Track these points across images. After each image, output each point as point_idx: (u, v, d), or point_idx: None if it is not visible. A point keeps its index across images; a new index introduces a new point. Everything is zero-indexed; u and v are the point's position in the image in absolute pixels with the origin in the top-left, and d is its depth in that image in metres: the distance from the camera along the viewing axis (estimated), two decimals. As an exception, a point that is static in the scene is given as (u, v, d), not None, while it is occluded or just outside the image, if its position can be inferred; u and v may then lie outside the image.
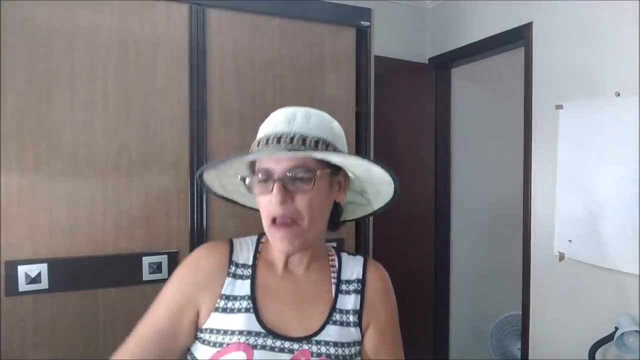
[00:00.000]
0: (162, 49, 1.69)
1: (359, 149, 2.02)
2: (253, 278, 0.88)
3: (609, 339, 1.76)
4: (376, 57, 2.08)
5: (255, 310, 0.84)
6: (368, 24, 2.02)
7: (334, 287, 0.91)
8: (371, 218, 2.02)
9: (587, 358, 1.82)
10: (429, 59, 2.99)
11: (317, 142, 0.82)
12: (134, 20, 1.65)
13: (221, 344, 0.82)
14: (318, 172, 0.82)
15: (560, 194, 2.06)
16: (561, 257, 2.06)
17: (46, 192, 1.55)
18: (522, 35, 2.28)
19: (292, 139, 0.81)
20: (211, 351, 0.82)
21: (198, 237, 1.74)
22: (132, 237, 1.66)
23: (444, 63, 2.94)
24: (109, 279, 1.62)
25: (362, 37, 2.02)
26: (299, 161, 0.81)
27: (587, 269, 1.95)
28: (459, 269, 3.06)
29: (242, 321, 0.83)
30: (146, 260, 1.67)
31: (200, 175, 0.92)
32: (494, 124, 3.12)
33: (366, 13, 2.02)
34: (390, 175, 0.87)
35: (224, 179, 0.95)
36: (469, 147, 3.07)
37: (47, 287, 1.55)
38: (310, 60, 1.92)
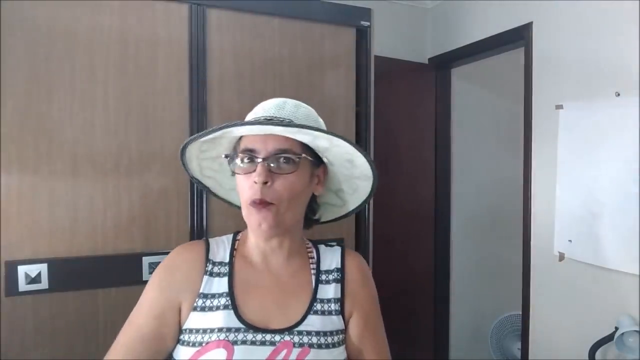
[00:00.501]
0: (162, 49, 1.69)
1: (359, 149, 2.01)
2: (231, 275, 0.88)
3: (609, 339, 1.76)
4: (376, 57, 2.07)
5: (234, 306, 0.84)
6: (368, 24, 2.02)
7: (313, 277, 0.92)
8: (371, 218, 2.02)
9: (587, 358, 1.82)
10: (429, 59, 2.99)
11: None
12: (134, 20, 1.65)
13: (200, 343, 0.81)
14: (302, 156, 0.83)
15: (560, 194, 2.06)
16: (561, 257, 2.06)
17: (46, 192, 1.55)
18: (522, 35, 2.28)
19: (281, 121, 0.82)
20: (191, 351, 0.82)
21: (198, 237, 1.74)
22: (132, 237, 1.66)
23: (444, 63, 2.94)
24: (109, 279, 1.62)
25: (362, 37, 2.02)
26: (285, 144, 0.82)
27: (587, 269, 1.95)
28: (459, 269, 3.06)
29: (221, 318, 0.83)
30: (146, 260, 1.67)
31: (183, 149, 0.92)
32: (494, 124, 3.12)
33: (366, 13, 2.02)
34: (372, 168, 0.87)
35: (204, 160, 0.95)
36: (469, 147, 3.07)
37: (47, 287, 1.55)
38: (310, 60, 1.92)
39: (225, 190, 1.02)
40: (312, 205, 0.96)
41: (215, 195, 1.05)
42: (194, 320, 0.84)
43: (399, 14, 2.89)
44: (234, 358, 0.79)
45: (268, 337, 0.83)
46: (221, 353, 0.80)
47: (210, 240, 0.95)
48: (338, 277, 0.93)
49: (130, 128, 1.65)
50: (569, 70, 2.05)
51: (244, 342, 0.81)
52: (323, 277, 0.93)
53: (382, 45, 2.50)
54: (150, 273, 1.65)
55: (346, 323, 0.91)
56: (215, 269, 0.89)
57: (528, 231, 2.26)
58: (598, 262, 1.89)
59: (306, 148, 0.85)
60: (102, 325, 1.62)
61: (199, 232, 1.74)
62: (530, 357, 2.27)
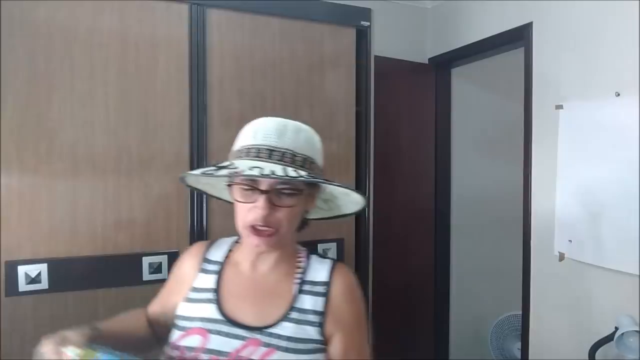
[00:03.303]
0: (162, 49, 1.69)
1: (359, 149, 2.02)
2: (220, 274, 0.98)
3: (609, 339, 1.76)
4: (376, 57, 2.08)
5: (218, 301, 0.93)
6: (368, 24, 2.02)
7: (295, 287, 0.95)
8: (371, 218, 2.03)
9: (587, 358, 1.82)
10: (429, 59, 2.99)
11: (304, 160, 0.88)
12: (134, 20, 1.65)
13: (185, 329, 0.92)
14: (302, 190, 0.89)
15: (560, 194, 2.06)
16: (561, 257, 2.06)
17: (46, 192, 1.55)
18: (522, 35, 2.28)
19: (282, 154, 0.86)
20: (177, 334, 0.93)
21: (198, 237, 1.74)
22: (132, 237, 1.66)
23: (444, 63, 2.94)
24: (109, 279, 1.62)
25: (362, 37, 2.02)
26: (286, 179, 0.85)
27: (587, 269, 1.95)
28: (459, 269, 3.06)
29: (204, 310, 0.93)
30: (146, 260, 1.67)
31: (183, 176, 1.00)
32: (494, 124, 3.11)
33: (366, 13, 2.02)
34: (364, 204, 0.97)
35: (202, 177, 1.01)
36: (469, 147, 3.07)
37: (47, 287, 1.55)
38: (310, 60, 1.92)
39: (218, 189, 1.06)
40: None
41: (209, 194, 1.11)
42: (183, 308, 0.95)
43: (399, 14, 2.89)
44: (207, 345, 0.89)
45: (241, 332, 0.89)
46: (198, 339, 0.90)
47: (218, 240, 1.05)
48: (323, 291, 0.94)
49: (130, 128, 1.65)
50: (569, 70, 2.04)
51: (218, 333, 0.90)
52: (306, 287, 0.95)
53: (382, 45, 2.49)
54: (150, 273, 1.67)
55: (327, 338, 0.92)
56: (209, 267, 0.99)
57: (528, 231, 2.26)
58: (598, 262, 1.89)
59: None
60: (102, 325, 1.62)
61: (199, 232, 1.74)
62: (530, 358, 2.27)
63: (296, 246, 1.01)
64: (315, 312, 0.92)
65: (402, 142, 2.86)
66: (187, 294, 0.97)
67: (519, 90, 2.33)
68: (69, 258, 1.58)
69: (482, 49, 2.61)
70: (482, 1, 2.56)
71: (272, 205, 0.86)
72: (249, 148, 0.88)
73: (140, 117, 1.67)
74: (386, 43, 2.69)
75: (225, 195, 1.02)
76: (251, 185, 0.87)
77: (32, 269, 1.53)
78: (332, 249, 1.93)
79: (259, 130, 0.90)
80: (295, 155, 0.87)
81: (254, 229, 0.87)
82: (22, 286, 1.52)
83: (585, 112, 1.94)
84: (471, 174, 3.07)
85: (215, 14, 1.77)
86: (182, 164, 1.72)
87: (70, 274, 1.58)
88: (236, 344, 0.88)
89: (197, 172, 0.94)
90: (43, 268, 1.54)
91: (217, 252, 1.01)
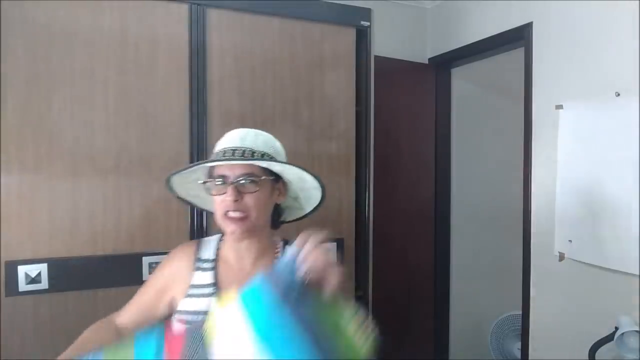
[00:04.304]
0: (162, 49, 1.69)
1: (359, 149, 2.02)
2: (215, 269, 1.11)
3: (609, 339, 1.76)
4: (376, 57, 2.08)
5: (218, 293, 1.06)
6: (368, 24, 2.02)
7: None
8: (371, 218, 2.03)
9: (587, 358, 1.82)
10: (429, 59, 2.99)
11: (262, 155, 1.06)
12: (134, 20, 1.65)
13: (191, 322, 1.03)
14: (262, 178, 1.05)
15: (560, 194, 2.06)
16: (561, 257, 2.06)
17: (46, 192, 1.55)
18: (522, 35, 2.28)
19: (243, 152, 1.05)
20: (184, 327, 1.01)
21: (198, 237, 1.73)
22: (132, 237, 1.66)
23: (444, 63, 2.94)
24: (109, 279, 1.62)
25: (362, 37, 2.02)
26: (248, 169, 1.04)
27: (587, 269, 1.95)
28: (459, 269, 3.06)
29: (207, 303, 1.04)
30: (146, 260, 1.67)
31: (167, 180, 1.14)
32: (494, 124, 3.11)
33: (366, 13, 2.02)
34: (318, 181, 1.10)
35: (187, 184, 1.16)
36: (469, 147, 3.07)
37: (47, 287, 1.55)
38: (310, 60, 1.92)
39: (204, 201, 1.21)
40: (278, 210, 1.17)
41: (197, 206, 1.28)
42: (187, 304, 1.07)
43: (399, 14, 2.89)
44: None
45: None
46: None
47: (202, 240, 1.17)
48: None
49: (130, 128, 1.65)
50: (569, 70, 2.05)
51: None
52: None
53: (382, 45, 2.49)
54: (150, 273, 1.66)
55: None
56: (203, 265, 1.11)
57: (528, 231, 2.26)
58: (598, 262, 1.89)
59: (266, 170, 1.06)
60: (102, 325, 1.62)
61: (199, 232, 1.74)
62: (530, 357, 2.27)
63: (274, 239, 1.17)
64: None
65: (402, 142, 2.86)
66: (187, 290, 1.08)
67: (519, 90, 2.33)
68: (69, 258, 1.58)
69: (482, 49, 2.61)
70: (482, 1, 2.56)
71: (238, 192, 1.03)
72: (217, 152, 1.08)
73: (140, 117, 1.67)
74: (386, 43, 2.69)
75: (210, 206, 1.15)
76: (221, 180, 1.04)
77: (32, 269, 1.53)
78: (332, 249, 1.93)
79: (226, 137, 1.11)
80: (254, 152, 1.05)
81: (228, 218, 1.04)
82: (22, 286, 1.52)
83: (585, 112, 1.94)
84: (471, 173, 3.07)
85: (215, 14, 1.77)
86: (182, 164, 1.71)
87: (70, 274, 1.58)
88: None
89: (173, 172, 1.11)
90: (43, 268, 1.54)
91: (207, 251, 1.13)
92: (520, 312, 2.36)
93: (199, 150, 1.74)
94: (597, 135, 1.88)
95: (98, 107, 1.61)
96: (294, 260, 0.84)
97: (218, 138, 1.74)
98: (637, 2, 1.75)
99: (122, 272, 1.64)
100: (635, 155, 1.72)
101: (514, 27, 2.34)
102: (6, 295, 1.51)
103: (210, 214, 1.75)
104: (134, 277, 1.65)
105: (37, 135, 1.54)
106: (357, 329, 0.83)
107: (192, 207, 1.71)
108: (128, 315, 1.13)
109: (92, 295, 1.61)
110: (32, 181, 1.53)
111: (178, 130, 1.72)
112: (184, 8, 1.72)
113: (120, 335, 1.07)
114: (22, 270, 1.52)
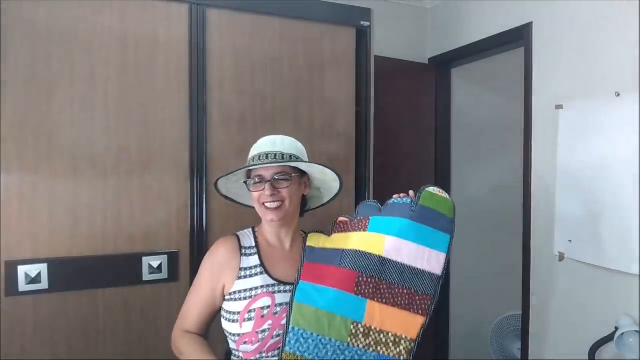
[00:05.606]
0: (162, 49, 1.69)
1: (359, 149, 2.02)
2: (259, 253, 1.31)
3: (609, 339, 1.76)
4: (376, 57, 2.08)
5: (266, 271, 1.28)
6: (368, 24, 2.02)
7: None
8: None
9: (587, 358, 1.82)
10: (429, 59, 2.99)
11: (290, 156, 1.27)
12: (134, 20, 1.66)
13: (249, 297, 1.24)
14: (293, 175, 1.28)
15: (560, 194, 2.06)
16: (561, 257, 2.06)
17: (46, 192, 1.55)
18: (522, 35, 2.28)
19: (275, 155, 1.26)
20: (243, 303, 1.23)
21: (198, 237, 1.74)
22: (132, 237, 1.66)
23: (444, 63, 2.93)
24: (109, 279, 1.63)
25: (362, 37, 2.02)
26: (280, 169, 1.26)
27: (587, 269, 1.95)
28: (458, 269, 3.05)
29: (260, 280, 1.26)
30: (146, 260, 1.67)
31: (215, 183, 1.34)
32: (494, 124, 3.11)
33: (366, 13, 2.02)
34: (336, 174, 1.32)
35: (230, 184, 1.36)
36: (469, 147, 3.07)
37: (47, 287, 1.55)
38: (310, 60, 1.92)
39: (243, 197, 1.42)
40: (304, 199, 1.39)
41: (238, 202, 1.44)
42: (240, 284, 1.26)
43: (399, 14, 2.89)
44: (277, 301, 1.24)
45: (290, 287, 1.26)
46: (268, 299, 1.24)
47: (239, 233, 1.35)
48: None
49: (130, 128, 1.66)
50: (569, 70, 2.04)
51: (279, 292, 1.25)
52: None
53: (382, 45, 2.49)
54: (150, 273, 1.67)
55: None
56: (247, 251, 1.31)
57: (528, 231, 2.26)
58: (598, 262, 1.89)
59: (295, 168, 1.29)
60: (102, 325, 1.62)
61: (199, 232, 1.74)
62: (530, 357, 2.27)
63: (300, 231, 1.41)
64: None
65: (402, 142, 2.86)
66: (238, 273, 1.27)
67: (519, 90, 2.33)
68: (69, 258, 1.58)
69: (482, 49, 2.61)
70: (482, 1, 2.56)
71: (274, 188, 1.25)
72: (253, 156, 1.29)
73: (140, 117, 1.67)
74: (386, 43, 2.69)
75: (246, 200, 1.40)
76: (259, 179, 1.26)
77: (32, 269, 1.53)
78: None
79: (259, 144, 1.31)
80: (283, 154, 1.27)
81: (267, 208, 1.26)
82: (22, 286, 1.52)
83: (585, 112, 1.94)
84: (471, 174, 3.07)
85: (215, 14, 1.77)
86: (182, 164, 1.72)
87: (70, 274, 1.58)
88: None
89: (221, 175, 1.31)
90: (43, 268, 1.54)
91: (247, 241, 1.33)
92: (520, 312, 2.36)
93: (199, 150, 1.74)
94: (597, 135, 1.88)
95: (98, 107, 1.61)
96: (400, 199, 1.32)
97: (218, 138, 1.79)
98: (637, 2, 1.75)
99: (122, 272, 1.64)
100: (635, 155, 1.72)
101: (513, 27, 2.34)
102: (6, 295, 1.51)
103: (210, 214, 1.77)
104: (134, 277, 1.65)
105: (37, 135, 1.54)
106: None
107: (192, 203, 1.74)
108: (192, 318, 1.29)
109: (92, 295, 1.61)
110: (32, 181, 1.54)
111: (178, 130, 1.72)
112: (184, 8, 1.72)
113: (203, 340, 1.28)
114: (22, 270, 1.52)
